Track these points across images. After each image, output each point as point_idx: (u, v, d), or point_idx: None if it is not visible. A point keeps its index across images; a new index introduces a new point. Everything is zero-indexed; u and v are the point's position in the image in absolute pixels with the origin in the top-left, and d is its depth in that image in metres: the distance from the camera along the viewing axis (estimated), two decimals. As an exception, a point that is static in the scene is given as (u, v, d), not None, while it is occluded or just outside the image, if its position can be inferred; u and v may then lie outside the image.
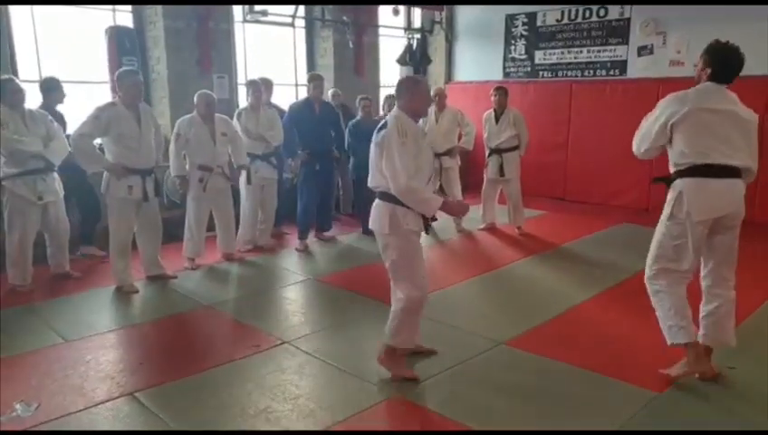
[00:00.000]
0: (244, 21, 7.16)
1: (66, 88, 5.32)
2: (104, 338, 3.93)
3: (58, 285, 4.91)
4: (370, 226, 3.34)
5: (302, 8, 7.75)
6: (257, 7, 7.02)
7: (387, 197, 3.19)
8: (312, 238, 6.27)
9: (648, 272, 3.31)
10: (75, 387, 3.27)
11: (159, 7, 6.40)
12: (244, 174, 5.72)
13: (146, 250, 4.94)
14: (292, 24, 7.74)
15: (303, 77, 7.53)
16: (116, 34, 5.97)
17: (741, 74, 7.66)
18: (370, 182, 3.31)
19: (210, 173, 5.27)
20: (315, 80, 5.98)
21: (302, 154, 5.94)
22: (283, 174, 6.28)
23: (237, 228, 5.85)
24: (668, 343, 3.26)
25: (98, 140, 4.77)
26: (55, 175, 4.82)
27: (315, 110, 5.97)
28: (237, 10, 7.09)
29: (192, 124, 5.19)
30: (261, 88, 5.86)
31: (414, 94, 3.25)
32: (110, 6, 6.41)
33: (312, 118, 5.94)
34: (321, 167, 6.02)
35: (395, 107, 3.33)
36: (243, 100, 6.82)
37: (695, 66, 3.35)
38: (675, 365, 3.29)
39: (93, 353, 3.68)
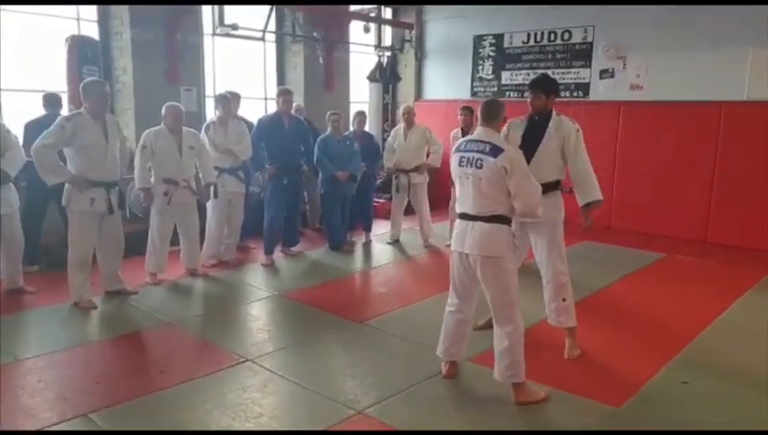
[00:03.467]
0: (214, 34, 7.12)
1: (25, 97, 5.22)
2: (58, 356, 3.80)
3: (10, 300, 4.73)
4: (479, 251, 3.16)
5: (272, 23, 7.75)
6: (227, 20, 6.99)
7: (502, 219, 3.18)
8: (278, 253, 6.21)
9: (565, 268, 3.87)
10: (25, 408, 3.15)
11: (126, 17, 6.33)
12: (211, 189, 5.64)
13: (106, 265, 4.81)
14: (262, 39, 7.73)
15: (273, 91, 7.51)
16: (77, 44, 5.85)
17: (693, 100, 8.04)
18: (475, 208, 3.18)
19: (176, 187, 5.19)
20: (284, 94, 5.98)
21: (270, 168, 5.90)
22: (249, 188, 6.22)
23: (202, 242, 5.76)
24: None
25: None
26: (11, 186, 4.68)
27: (285, 124, 5.96)
28: (207, 23, 7.05)
29: (159, 136, 5.11)
30: (230, 103, 5.83)
31: (503, 117, 3.33)
32: (75, 16, 6.31)
33: (281, 132, 5.92)
34: (288, 181, 5.99)
35: (482, 126, 3.26)
36: (210, 112, 6.76)
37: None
38: None
39: (46, 373, 3.56)
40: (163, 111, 5.17)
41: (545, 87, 3.86)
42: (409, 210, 7.05)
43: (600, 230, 7.50)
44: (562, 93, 8.10)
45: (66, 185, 4.49)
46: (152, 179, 5.15)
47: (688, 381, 3.56)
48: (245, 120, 6.26)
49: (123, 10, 6.34)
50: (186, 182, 5.26)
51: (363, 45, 9.10)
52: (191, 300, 5.05)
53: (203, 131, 5.68)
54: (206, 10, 7.01)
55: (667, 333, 4.32)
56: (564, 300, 3.86)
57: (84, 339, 4.11)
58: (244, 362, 3.76)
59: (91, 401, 3.22)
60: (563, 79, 8.13)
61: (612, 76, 7.79)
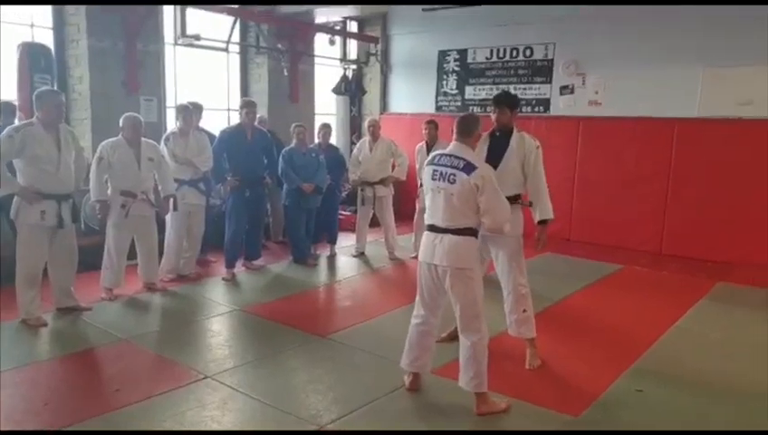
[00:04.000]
0: (176, 44, 7.02)
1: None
2: (5, 377, 3.60)
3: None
4: (449, 262, 3.21)
5: (236, 34, 7.69)
6: (190, 31, 6.91)
7: (470, 232, 3.24)
8: (239, 267, 6.12)
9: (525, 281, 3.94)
10: (-31, 430, 3.00)
11: (83, 25, 6.18)
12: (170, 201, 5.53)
13: (58, 280, 4.63)
14: (225, 50, 7.66)
15: (237, 102, 7.43)
16: (29, 51, 5.66)
17: (648, 116, 8.28)
18: (445, 221, 3.23)
19: (134, 199, 5.07)
20: (248, 106, 5.92)
21: (232, 180, 5.83)
22: (210, 200, 6.13)
23: (161, 256, 5.63)
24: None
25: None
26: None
27: (247, 136, 5.89)
28: (169, 32, 6.96)
29: (116, 147, 4.98)
30: (191, 113, 5.74)
31: (478, 133, 3.39)
32: (29, 22, 6.14)
33: (243, 144, 5.86)
34: (251, 193, 5.92)
35: (457, 142, 3.29)
36: (171, 123, 6.65)
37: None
38: None
39: (-9, 393, 3.40)
40: (121, 122, 5.05)
41: (510, 103, 3.96)
42: (375, 223, 7.04)
43: (561, 242, 7.64)
44: (524, 108, 8.26)
45: (15, 197, 4.33)
46: (109, 191, 5.02)
47: (643, 389, 3.64)
48: (207, 132, 6.17)
49: (80, 17, 6.19)
50: (144, 194, 5.14)
51: (328, 58, 9.11)
52: (149, 315, 4.92)
53: (162, 142, 5.58)
54: (168, 19, 6.91)
55: (624, 342, 4.41)
56: (524, 311, 3.91)
57: (33, 358, 3.93)
58: (203, 378, 3.67)
59: (38, 424, 3.09)
60: (525, 94, 8.29)
61: (572, 92, 7.99)
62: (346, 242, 7.29)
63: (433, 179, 3.26)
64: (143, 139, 5.12)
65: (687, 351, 4.31)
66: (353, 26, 9.54)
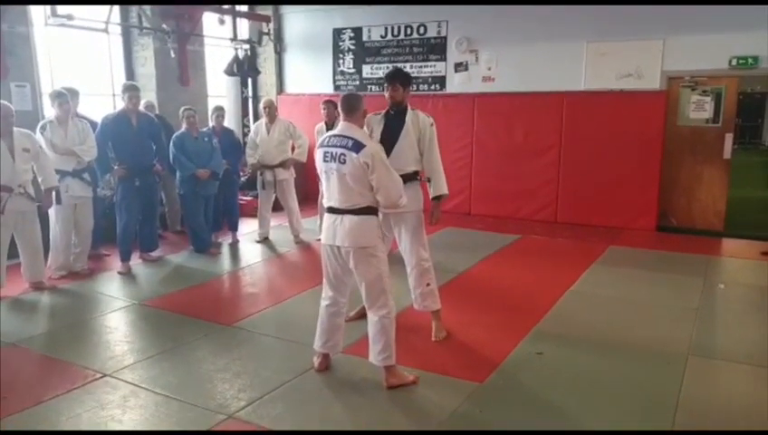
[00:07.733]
0: (47, 24, 6.45)
1: None
2: None
3: None
4: (351, 243, 3.21)
5: (116, 14, 7.20)
6: (62, 10, 6.37)
7: (369, 210, 3.26)
8: (136, 260, 5.83)
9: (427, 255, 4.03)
10: None
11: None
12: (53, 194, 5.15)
13: None
14: (105, 30, 7.15)
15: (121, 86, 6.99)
16: None
17: (539, 90, 8.58)
18: (343, 202, 3.22)
19: (10, 194, 4.68)
20: (130, 90, 5.59)
21: (119, 169, 5.52)
22: (99, 191, 5.76)
23: (47, 253, 5.25)
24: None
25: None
26: None
27: (132, 122, 5.59)
28: (38, 12, 6.38)
29: (-15, 140, 4.56)
30: (68, 99, 5.33)
31: (364, 109, 3.33)
32: None
33: (128, 131, 5.55)
34: (141, 183, 5.62)
35: (345, 121, 3.26)
36: (48, 110, 6.15)
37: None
38: None
39: None
40: (-12, 112, 4.62)
41: (403, 79, 3.98)
42: (278, 206, 6.92)
43: (461, 216, 7.91)
44: (421, 86, 8.40)
45: None
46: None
47: (543, 351, 3.85)
48: (89, 120, 5.77)
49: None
50: (22, 188, 4.78)
51: (218, 38, 8.76)
52: (36, 316, 4.59)
53: (38, 131, 5.16)
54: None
55: (525, 308, 4.64)
56: (428, 285, 4.01)
57: None
58: (101, 377, 3.49)
59: None
60: (421, 72, 8.42)
61: (466, 69, 8.20)
62: (249, 228, 7.13)
63: (325, 161, 3.25)
64: (15, 128, 4.74)
65: (582, 311, 4.60)
66: (243, 5, 9.22)
